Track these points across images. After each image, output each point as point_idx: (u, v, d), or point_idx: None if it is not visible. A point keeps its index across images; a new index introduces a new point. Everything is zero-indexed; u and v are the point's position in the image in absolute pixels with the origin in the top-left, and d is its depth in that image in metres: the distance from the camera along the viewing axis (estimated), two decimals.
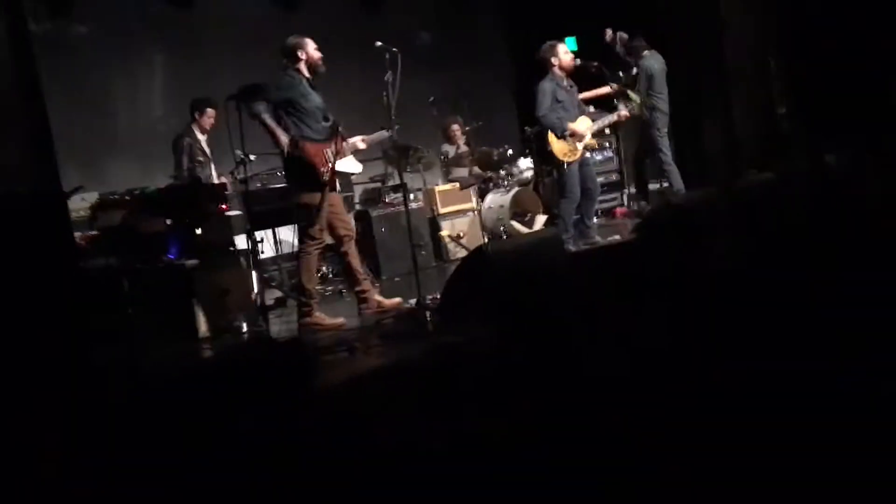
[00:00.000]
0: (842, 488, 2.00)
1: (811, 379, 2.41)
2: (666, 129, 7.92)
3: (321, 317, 5.51)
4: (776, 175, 5.22)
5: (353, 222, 5.97)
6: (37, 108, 4.83)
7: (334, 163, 5.44)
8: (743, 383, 2.47)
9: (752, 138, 8.42)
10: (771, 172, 5.56)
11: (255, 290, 6.02)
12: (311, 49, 5.50)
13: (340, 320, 5.53)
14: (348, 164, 5.92)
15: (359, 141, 5.87)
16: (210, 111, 7.06)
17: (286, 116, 5.36)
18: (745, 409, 2.37)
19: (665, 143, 7.87)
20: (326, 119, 5.52)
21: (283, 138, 5.32)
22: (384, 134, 5.82)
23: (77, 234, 5.61)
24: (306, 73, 5.49)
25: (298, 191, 5.47)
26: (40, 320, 4.23)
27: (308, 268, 5.47)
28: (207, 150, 7.15)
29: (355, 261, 5.70)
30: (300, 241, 5.55)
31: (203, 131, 7.15)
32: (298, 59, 5.47)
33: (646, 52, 8.02)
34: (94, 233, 5.81)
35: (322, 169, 5.35)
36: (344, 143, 5.61)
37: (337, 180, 5.60)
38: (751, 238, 3.66)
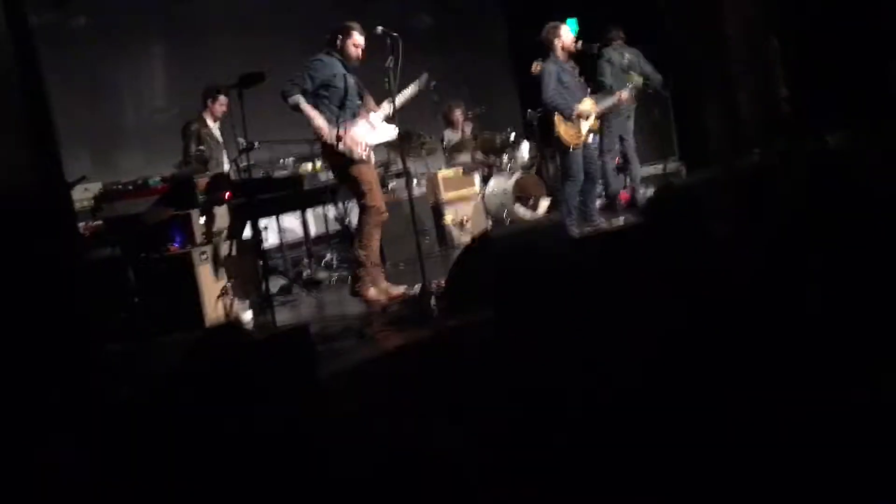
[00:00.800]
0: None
1: (812, 375, 2.41)
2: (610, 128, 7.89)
3: (369, 287, 5.58)
4: (779, 156, 5.20)
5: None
6: (39, 99, 4.83)
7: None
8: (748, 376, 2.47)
9: (756, 119, 8.39)
10: (774, 153, 5.55)
11: (260, 277, 6.01)
12: (349, 40, 5.58)
13: (402, 289, 5.62)
14: (383, 132, 5.73)
15: (387, 105, 5.69)
16: (222, 98, 7.10)
17: (319, 99, 5.48)
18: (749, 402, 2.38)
19: (607, 139, 7.86)
20: (361, 98, 5.64)
21: (319, 122, 5.41)
22: (416, 87, 5.72)
23: (80, 225, 5.62)
24: (339, 56, 5.59)
25: (342, 170, 5.58)
26: (43, 311, 4.25)
27: (366, 236, 5.57)
28: (219, 137, 7.18)
29: (375, 243, 5.70)
30: (362, 215, 5.64)
31: (215, 118, 7.19)
32: (335, 44, 5.57)
33: (615, 44, 7.97)
34: (97, 223, 5.81)
35: (359, 150, 5.46)
36: (371, 114, 5.66)
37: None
38: (753, 220, 3.66)
